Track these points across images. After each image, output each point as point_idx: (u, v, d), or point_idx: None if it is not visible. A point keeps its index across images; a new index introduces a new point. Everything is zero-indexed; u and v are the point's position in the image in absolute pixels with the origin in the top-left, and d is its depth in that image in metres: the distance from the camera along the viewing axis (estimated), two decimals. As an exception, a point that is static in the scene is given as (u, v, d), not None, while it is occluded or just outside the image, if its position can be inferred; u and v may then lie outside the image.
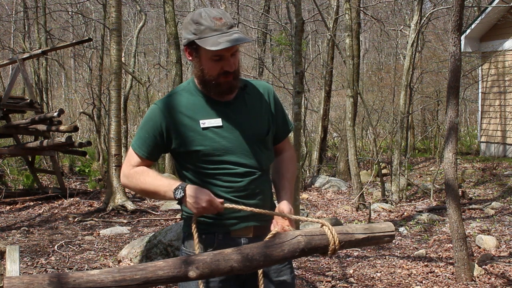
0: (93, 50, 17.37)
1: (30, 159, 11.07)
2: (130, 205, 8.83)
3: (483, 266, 5.14)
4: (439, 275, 5.04)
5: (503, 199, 8.49)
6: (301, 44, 6.58)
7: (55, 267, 5.69)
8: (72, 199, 9.85)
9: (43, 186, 11.01)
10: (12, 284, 1.65)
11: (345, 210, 8.79)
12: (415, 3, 9.51)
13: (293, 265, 2.45)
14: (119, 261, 5.79)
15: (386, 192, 9.41)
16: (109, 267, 5.26)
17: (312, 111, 16.00)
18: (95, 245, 6.67)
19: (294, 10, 6.40)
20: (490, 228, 6.83)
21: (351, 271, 5.28)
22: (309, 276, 5.17)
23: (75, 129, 10.35)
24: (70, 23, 19.69)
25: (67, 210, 9.14)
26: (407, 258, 5.73)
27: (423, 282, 4.88)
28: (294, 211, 2.22)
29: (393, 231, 2.08)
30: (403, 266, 5.38)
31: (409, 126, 13.11)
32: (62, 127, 10.16)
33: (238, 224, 2.16)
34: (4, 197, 9.96)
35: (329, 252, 1.96)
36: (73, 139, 10.18)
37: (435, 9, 11.33)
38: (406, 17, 15.72)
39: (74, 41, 13.58)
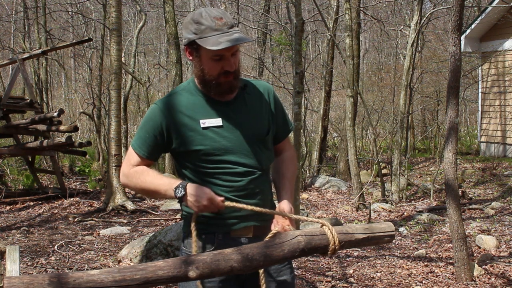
0: (93, 50, 17.37)
1: (30, 159, 11.07)
2: (130, 205, 8.83)
3: (483, 266, 5.14)
4: (439, 275, 5.04)
5: (503, 199, 8.49)
6: (301, 44, 6.58)
7: (55, 267, 5.69)
8: (72, 199, 9.85)
9: (43, 186, 11.01)
10: (12, 284, 1.65)
11: (345, 210, 8.79)
12: (415, 3, 9.51)
13: (293, 265, 2.45)
14: (119, 261, 5.79)
15: (386, 192, 9.41)
16: (109, 267, 5.26)
17: (312, 111, 16.00)
18: (95, 245, 6.66)
19: (294, 10, 6.40)
20: (490, 228, 6.83)
21: (351, 271, 5.28)
22: (309, 276, 5.17)
23: (75, 129, 10.36)
24: (70, 23, 19.69)
25: (67, 210, 9.14)
26: (407, 258, 5.73)
27: (423, 282, 4.88)
28: (294, 211, 2.22)
29: (393, 231, 2.08)
30: (403, 266, 5.38)
31: (409, 126, 13.11)
32: (62, 127, 10.16)
33: (238, 224, 2.16)
34: (4, 197, 9.96)
35: (329, 252, 1.96)
36: (73, 139, 10.18)
37: (435, 9, 11.33)
38: (406, 17, 15.72)
39: (74, 41, 13.58)
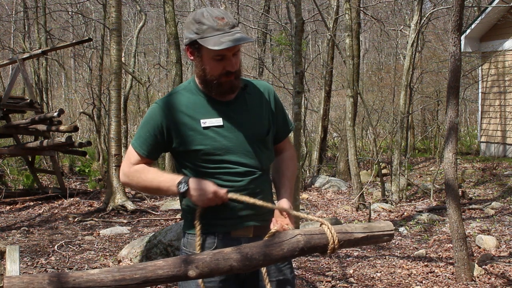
0: (93, 50, 17.38)
1: (30, 159, 11.07)
2: (130, 205, 8.83)
3: (483, 266, 5.14)
4: (439, 275, 5.05)
5: (503, 199, 8.49)
6: (301, 44, 6.58)
7: (55, 267, 5.69)
8: (72, 199, 9.85)
9: (43, 186, 11.01)
10: (12, 283, 1.65)
11: (345, 210, 8.79)
12: (415, 3, 9.51)
13: (293, 265, 2.45)
14: (119, 261, 5.79)
15: (386, 192, 9.41)
16: (109, 267, 5.26)
17: (312, 111, 16.00)
18: (95, 245, 6.67)
19: (294, 10, 6.40)
20: (490, 228, 6.83)
21: (351, 271, 5.28)
22: (309, 276, 5.16)
23: (75, 129, 10.36)
24: (70, 23, 19.69)
25: (67, 210, 9.14)
26: (407, 258, 5.73)
27: (423, 282, 4.89)
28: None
29: (392, 230, 2.09)
30: (403, 266, 5.38)
31: (409, 126, 13.11)
32: (62, 127, 10.16)
33: (238, 224, 2.16)
34: (4, 197, 9.96)
35: (328, 251, 1.96)
36: (73, 139, 10.18)
37: (435, 9, 11.33)
38: (406, 17, 15.72)
39: (74, 41, 13.59)
